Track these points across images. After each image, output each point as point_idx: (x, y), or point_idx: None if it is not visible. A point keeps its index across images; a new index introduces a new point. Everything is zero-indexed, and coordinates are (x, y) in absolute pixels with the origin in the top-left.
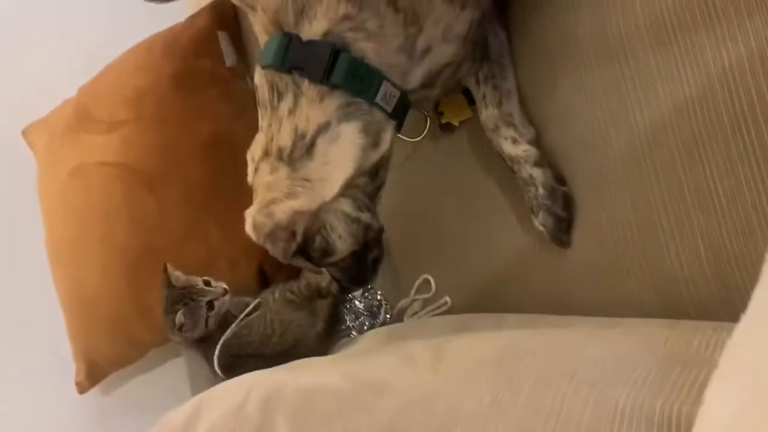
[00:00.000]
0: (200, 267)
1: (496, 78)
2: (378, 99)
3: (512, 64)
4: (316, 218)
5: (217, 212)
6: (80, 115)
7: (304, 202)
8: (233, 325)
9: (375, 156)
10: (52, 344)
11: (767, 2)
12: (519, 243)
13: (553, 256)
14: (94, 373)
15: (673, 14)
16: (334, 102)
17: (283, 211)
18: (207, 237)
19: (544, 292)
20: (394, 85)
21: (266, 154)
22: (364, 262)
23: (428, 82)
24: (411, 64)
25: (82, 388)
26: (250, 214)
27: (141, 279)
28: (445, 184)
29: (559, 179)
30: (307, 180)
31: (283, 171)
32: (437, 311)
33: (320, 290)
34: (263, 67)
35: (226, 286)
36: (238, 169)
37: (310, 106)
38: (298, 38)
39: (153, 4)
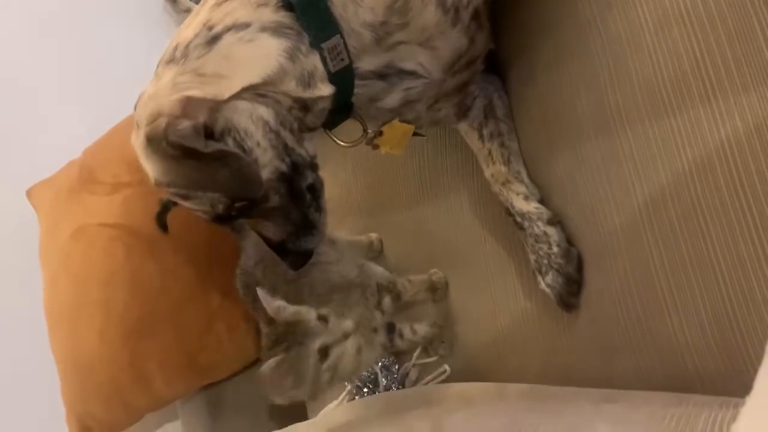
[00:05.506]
0: (199, 331)
1: (504, 137)
2: (324, 47)
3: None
4: (219, 114)
5: (218, 276)
6: (84, 177)
7: (194, 92)
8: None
9: (300, 90)
10: (45, 408)
11: (761, 77)
12: (519, 309)
13: (553, 323)
14: None
15: (670, 88)
16: (272, 14)
17: (170, 101)
18: (207, 301)
19: (544, 361)
20: (347, 49)
21: (160, 63)
22: (300, 193)
23: (383, 74)
24: (373, 47)
25: None
26: (136, 140)
27: (139, 344)
28: (446, 251)
29: (569, 241)
30: (199, 74)
31: (170, 73)
32: (437, 380)
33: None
34: None
35: (352, 324)
36: None
37: (243, 4)
38: None
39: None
